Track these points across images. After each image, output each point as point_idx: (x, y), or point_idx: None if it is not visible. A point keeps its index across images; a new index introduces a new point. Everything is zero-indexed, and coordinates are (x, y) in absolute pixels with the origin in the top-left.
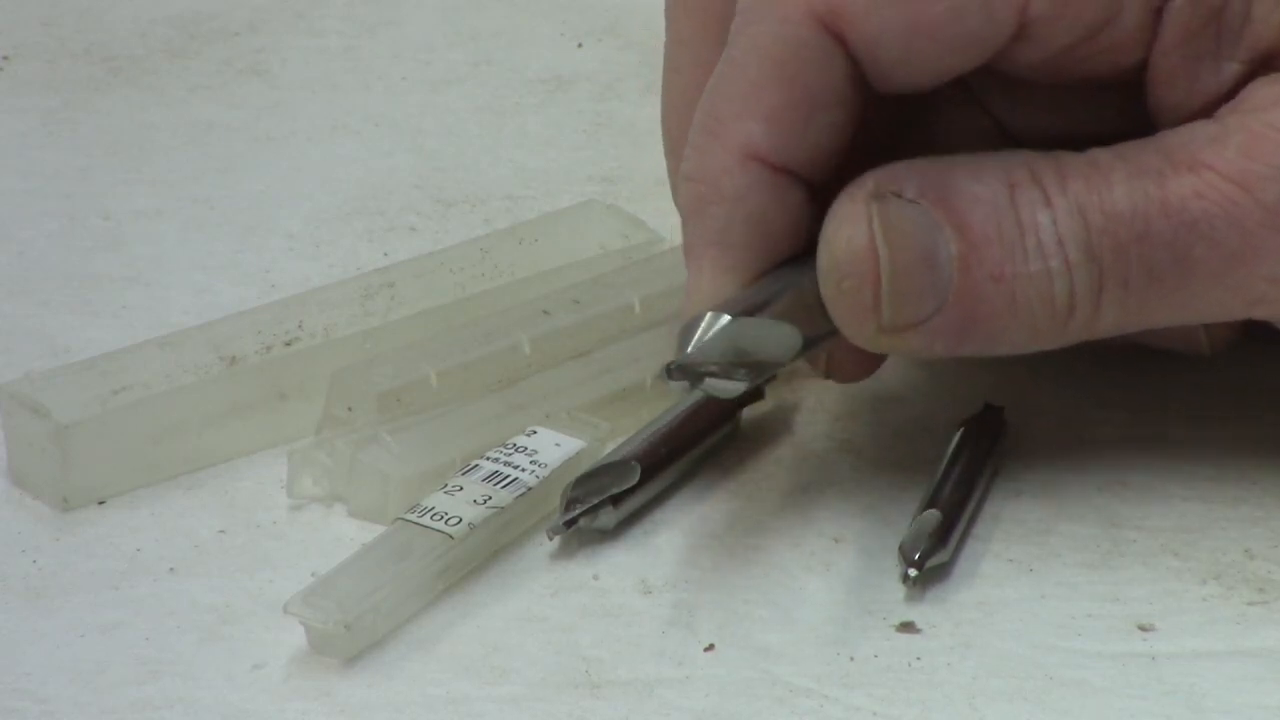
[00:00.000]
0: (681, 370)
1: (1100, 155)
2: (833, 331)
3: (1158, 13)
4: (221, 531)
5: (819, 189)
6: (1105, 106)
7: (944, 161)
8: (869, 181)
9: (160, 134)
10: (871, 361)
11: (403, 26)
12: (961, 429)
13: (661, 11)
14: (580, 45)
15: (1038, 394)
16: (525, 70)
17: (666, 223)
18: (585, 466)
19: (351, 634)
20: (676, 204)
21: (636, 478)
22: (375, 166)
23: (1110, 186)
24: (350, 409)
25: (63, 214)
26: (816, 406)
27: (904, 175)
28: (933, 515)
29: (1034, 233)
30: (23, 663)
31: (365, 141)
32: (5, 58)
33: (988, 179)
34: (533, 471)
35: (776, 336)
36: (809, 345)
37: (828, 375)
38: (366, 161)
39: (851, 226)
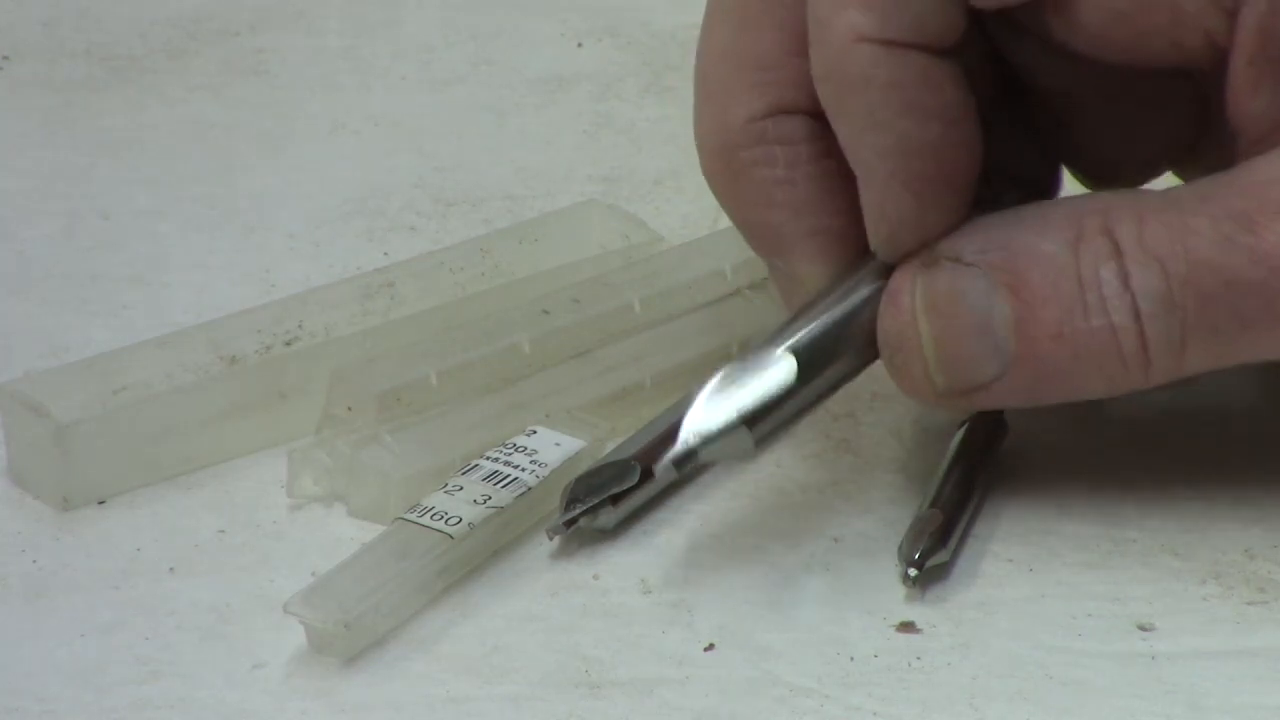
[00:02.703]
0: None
1: (1183, 196)
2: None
3: (1229, 15)
4: (221, 531)
5: (955, 55)
6: (1156, 89)
7: (1013, 215)
8: (926, 249)
9: (160, 134)
10: None
11: (403, 26)
12: (962, 429)
13: (661, 12)
14: (580, 45)
15: None
16: (525, 70)
17: (666, 223)
18: (585, 466)
19: (351, 634)
20: (706, 149)
21: (636, 478)
22: (375, 166)
23: (1194, 232)
24: (350, 409)
25: (63, 214)
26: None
27: (968, 236)
28: (933, 515)
29: (1095, 288)
30: (23, 663)
31: (365, 141)
32: (5, 58)
33: (1053, 233)
34: (533, 471)
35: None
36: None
37: None
38: (366, 161)
39: (896, 300)
